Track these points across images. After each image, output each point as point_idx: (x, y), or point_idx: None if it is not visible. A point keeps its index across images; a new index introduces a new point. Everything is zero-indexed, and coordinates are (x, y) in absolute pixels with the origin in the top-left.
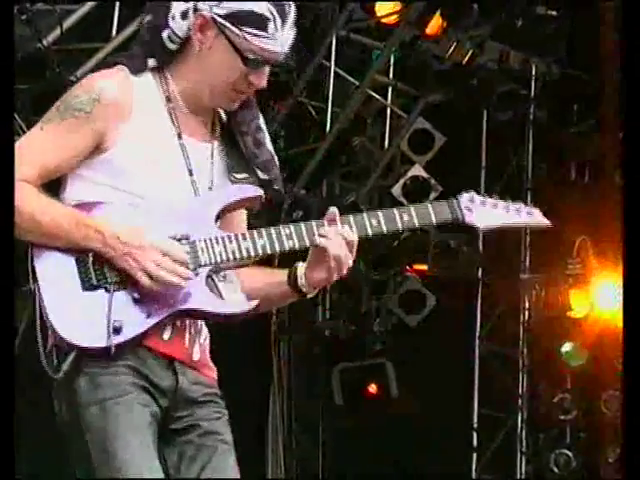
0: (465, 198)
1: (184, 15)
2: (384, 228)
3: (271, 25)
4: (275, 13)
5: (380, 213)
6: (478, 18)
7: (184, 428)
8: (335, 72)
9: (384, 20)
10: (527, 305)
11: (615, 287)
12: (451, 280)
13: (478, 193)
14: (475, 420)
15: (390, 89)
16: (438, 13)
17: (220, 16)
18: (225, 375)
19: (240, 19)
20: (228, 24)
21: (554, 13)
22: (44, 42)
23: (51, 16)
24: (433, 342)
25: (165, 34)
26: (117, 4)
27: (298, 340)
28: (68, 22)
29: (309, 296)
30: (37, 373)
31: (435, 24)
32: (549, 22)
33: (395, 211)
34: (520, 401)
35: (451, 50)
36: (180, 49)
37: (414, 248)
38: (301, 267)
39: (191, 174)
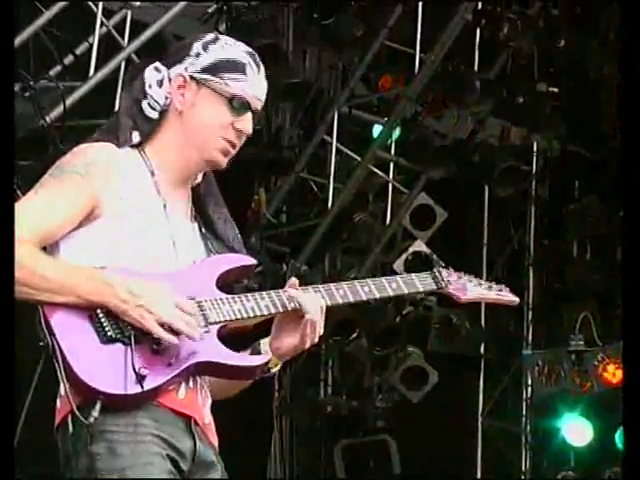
0: (444, 272)
1: (160, 83)
2: (376, 294)
3: (248, 69)
4: (249, 58)
5: (370, 281)
6: (479, 94)
7: None
8: (337, 148)
9: (385, 96)
10: (530, 381)
11: (617, 362)
12: (453, 356)
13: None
14: None
15: (392, 165)
16: (439, 89)
17: (197, 72)
18: (224, 453)
19: (219, 68)
20: (207, 75)
21: (555, 90)
22: (47, 119)
23: (54, 93)
24: (435, 418)
25: (145, 103)
26: (120, 81)
27: (300, 416)
28: (71, 99)
29: (273, 371)
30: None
31: (437, 100)
32: (550, 99)
33: (384, 280)
34: (523, 478)
35: (452, 126)
36: (161, 118)
37: (416, 324)
38: (264, 342)
39: (174, 245)
